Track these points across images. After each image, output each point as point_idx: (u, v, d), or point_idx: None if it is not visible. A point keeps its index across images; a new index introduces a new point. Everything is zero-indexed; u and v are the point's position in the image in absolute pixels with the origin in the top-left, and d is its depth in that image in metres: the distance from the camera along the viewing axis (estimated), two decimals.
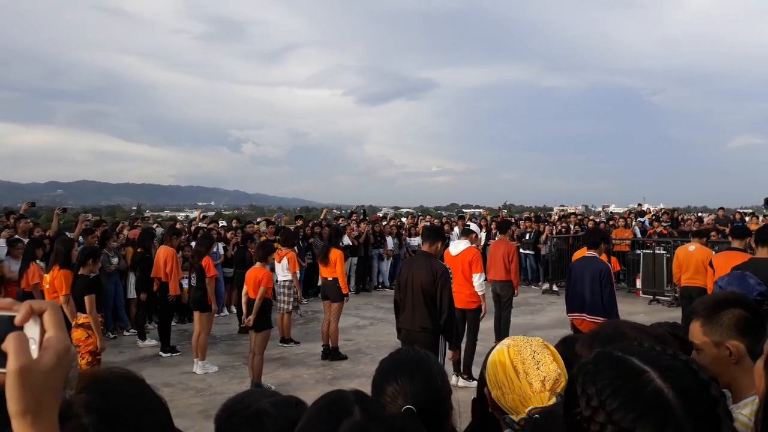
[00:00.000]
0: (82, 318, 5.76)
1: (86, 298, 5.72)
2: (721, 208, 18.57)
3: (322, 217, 16.00)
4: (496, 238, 15.07)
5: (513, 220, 15.04)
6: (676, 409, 0.85)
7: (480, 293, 6.84)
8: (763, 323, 1.69)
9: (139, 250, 9.27)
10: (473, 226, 7.80)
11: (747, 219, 17.36)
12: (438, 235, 5.70)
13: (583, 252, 7.08)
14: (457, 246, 7.02)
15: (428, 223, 16.59)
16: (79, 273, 5.97)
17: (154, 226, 13.00)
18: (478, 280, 6.77)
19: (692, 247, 8.06)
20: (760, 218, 16.98)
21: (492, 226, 16.13)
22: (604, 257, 6.12)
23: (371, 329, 9.95)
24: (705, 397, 0.88)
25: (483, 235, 15.94)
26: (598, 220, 17.84)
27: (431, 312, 5.21)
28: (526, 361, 1.63)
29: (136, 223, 13.05)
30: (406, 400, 1.48)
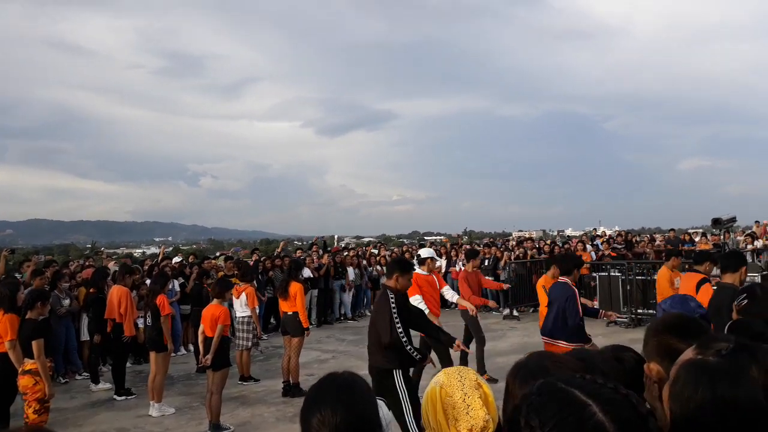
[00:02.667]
0: (29, 364, 5.55)
1: (34, 343, 5.51)
2: (672, 230, 19.15)
3: (279, 249, 15.88)
4: (459, 264, 15.28)
5: (479, 249, 15.16)
6: None
7: (456, 300, 7.08)
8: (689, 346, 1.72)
9: (91, 290, 9.01)
10: (425, 252, 7.76)
11: (697, 239, 17.95)
12: (395, 266, 5.35)
13: (547, 277, 7.31)
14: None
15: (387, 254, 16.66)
16: (27, 317, 5.76)
17: (111, 263, 12.65)
18: (447, 292, 6.92)
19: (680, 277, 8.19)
20: (709, 237, 17.55)
21: (452, 253, 16.28)
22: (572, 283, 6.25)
23: (333, 363, 9.84)
24: (643, 431, 0.90)
25: (444, 262, 16.07)
26: (551, 243, 18.14)
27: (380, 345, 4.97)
28: (456, 405, 1.64)
29: (88, 262, 12.71)
30: (328, 429, 1.47)
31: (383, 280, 5.96)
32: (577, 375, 1.03)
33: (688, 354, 1.28)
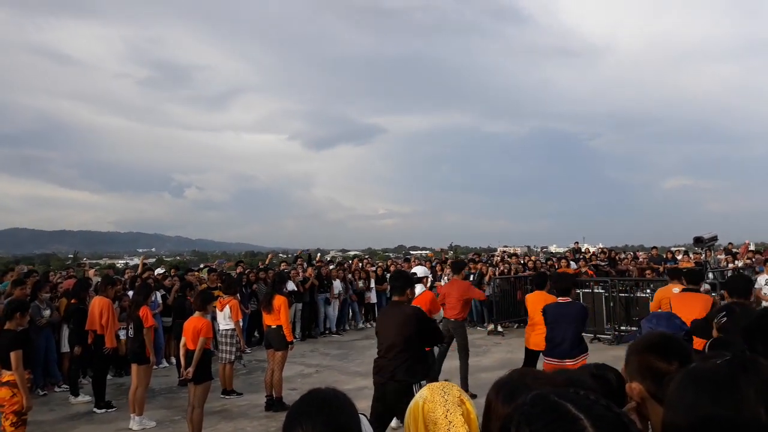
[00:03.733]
0: (6, 375, 5.44)
1: (12, 354, 5.42)
2: (654, 248, 19.33)
3: (267, 261, 15.78)
4: (444, 279, 15.30)
5: (466, 261, 15.20)
6: None
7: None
8: (671, 368, 1.73)
9: (73, 301, 8.89)
10: (419, 270, 7.87)
11: (679, 257, 18.12)
12: (405, 282, 5.32)
13: (539, 296, 7.10)
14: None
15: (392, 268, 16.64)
16: (5, 327, 5.67)
17: (91, 272, 12.51)
18: (438, 318, 6.97)
19: (676, 289, 8.21)
20: (692, 256, 17.73)
21: (437, 267, 16.30)
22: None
23: (317, 377, 9.78)
24: None
25: (429, 276, 16.08)
26: (534, 259, 18.23)
27: (406, 360, 4.90)
28: (438, 421, 1.65)
29: (70, 272, 12.56)
30: None
31: (390, 293, 6.02)
32: (571, 390, 1.03)
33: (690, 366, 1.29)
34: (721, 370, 1.14)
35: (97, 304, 8.12)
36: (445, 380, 2.15)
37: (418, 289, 7.27)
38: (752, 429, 1.07)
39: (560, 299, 6.16)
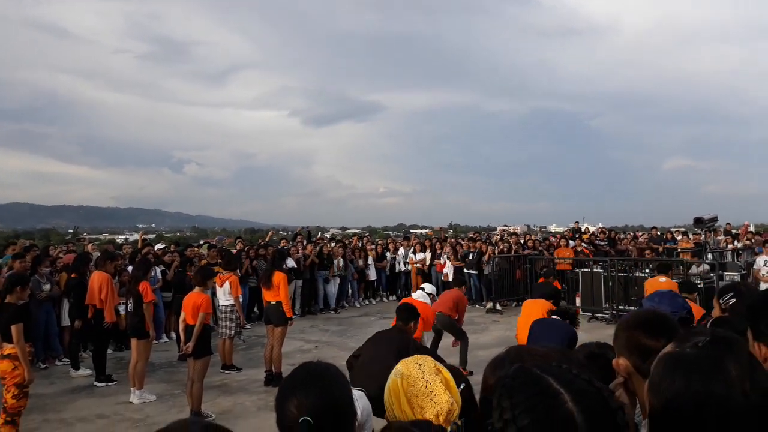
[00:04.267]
0: (8, 348, 5.48)
1: (13, 328, 5.45)
2: (654, 228, 19.34)
3: (267, 238, 15.79)
4: (443, 257, 15.34)
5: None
6: None
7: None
8: (658, 345, 1.73)
9: (73, 275, 8.91)
10: (428, 287, 7.95)
11: (679, 238, 18.15)
12: (413, 315, 5.11)
13: (538, 304, 6.11)
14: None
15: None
16: (6, 301, 5.69)
17: (90, 246, 12.52)
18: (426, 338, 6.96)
19: (662, 279, 8.31)
20: (691, 236, 17.75)
21: (437, 246, 16.33)
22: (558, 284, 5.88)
23: (316, 353, 9.84)
24: (611, 425, 0.92)
25: (428, 255, 16.14)
26: (534, 238, 18.24)
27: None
28: (420, 393, 1.65)
29: (70, 247, 12.58)
30: (303, 412, 1.50)
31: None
32: (554, 364, 1.04)
33: (668, 348, 1.30)
34: (705, 352, 1.15)
35: (97, 278, 8.14)
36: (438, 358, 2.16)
37: (420, 296, 7.40)
38: (737, 407, 1.08)
39: (553, 317, 5.29)
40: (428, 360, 1.78)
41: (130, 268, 9.72)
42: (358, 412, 2.11)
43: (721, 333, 1.22)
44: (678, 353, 1.20)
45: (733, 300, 2.93)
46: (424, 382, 1.68)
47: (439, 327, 8.49)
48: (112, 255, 8.94)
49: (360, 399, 2.20)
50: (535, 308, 5.97)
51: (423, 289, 7.74)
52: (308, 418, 1.48)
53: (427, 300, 7.41)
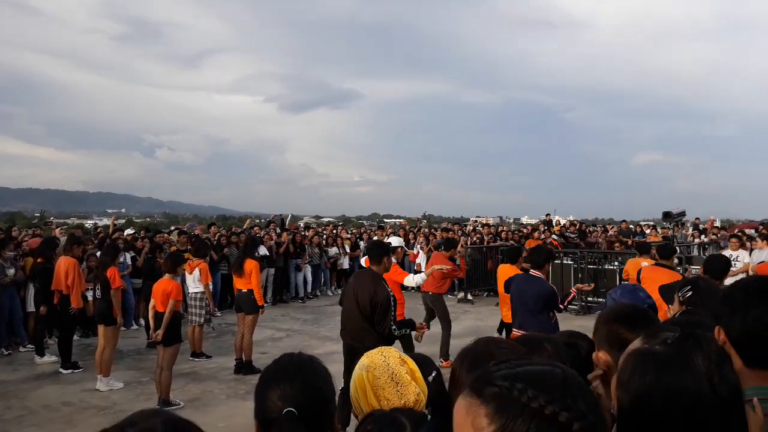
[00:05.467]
0: None
1: None
2: (624, 221, 19.64)
3: (245, 226, 15.65)
4: (416, 247, 15.38)
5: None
6: None
7: (420, 283, 7.07)
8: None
9: (39, 260, 8.72)
10: (396, 241, 7.78)
11: (648, 231, 18.49)
12: (382, 250, 5.37)
13: (510, 269, 7.09)
14: None
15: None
16: None
17: (57, 231, 12.23)
18: (412, 280, 6.79)
19: (645, 263, 8.35)
20: (659, 230, 18.09)
21: (410, 236, 16.37)
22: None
23: (287, 341, 9.81)
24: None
25: (396, 238, 16.14)
26: (506, 230, 18.41)
27: (367, 331, 4.99)
28: (386, 385, 1.65)
29: (36, 231, 12.30)
30: (287, 403, 1.49)
31: (362, 260, 6.08)
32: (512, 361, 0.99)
33: (636, 344, 1.31)
34: (674, 349, 1.16)
35: (63, 263, 7.97)
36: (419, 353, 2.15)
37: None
38: (706, 401, 1.10)
39: (532, 272, 5.83)
40: (392, 351, 1.78)
41: (99, 254, 9.55)
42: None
43: (689, 329, 1.23)
44: (647, 350, 1.21)
45: (690, 293, 2.97)
46: (389, 374, 1.68)
47: (429, 305, 8.63)
48: (78, 239, 8.77)
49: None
50: (506, 271, 7.15)
51: (390, 243, 7.57)
52: (292, 409, 1.47)
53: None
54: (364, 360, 1.77)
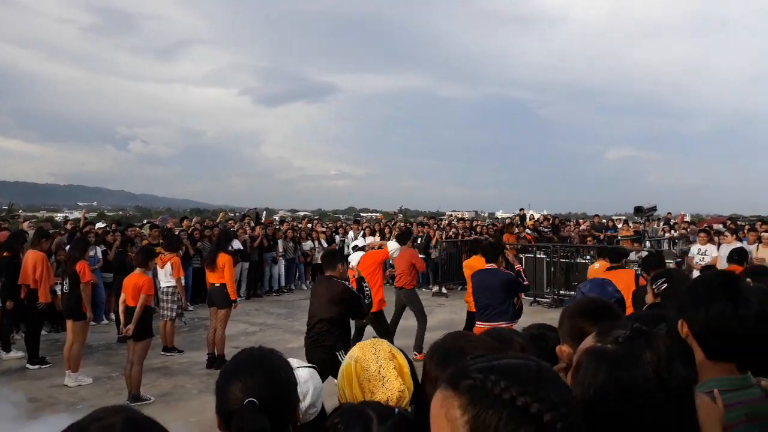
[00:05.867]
0: None
1: None
2: (597, 216, 19.93)
3: (218, 219, 15.50)
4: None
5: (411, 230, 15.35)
6: None
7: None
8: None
9: (5, 254, 8.52)
10: (359, 241, 8.09)
11: (620, 226, 18.79)
12: (336, 258, 5.66)
13: (476, 261, 7.38)
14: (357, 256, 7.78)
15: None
16: None
17: (26, 224, 11.97)
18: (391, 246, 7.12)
19: (597, 265, 8.54)
20: (631, 225, 18.40)
21: (386, 231, 16.39)
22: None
23: (260, 336, 9.75)
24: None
25: (378, 239, 16.16)
26: (480, 224, 18.58)
27: (328, 331, 5.20)
28: (372, 378, 1.66)
29: (2, 224, 12.01)
30: (248, 395, 1.49)
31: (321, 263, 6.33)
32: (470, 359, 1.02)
33: (589, 341, 1.33)
34: (625, 348, 1.20)
35: (31, 257, 7.81)
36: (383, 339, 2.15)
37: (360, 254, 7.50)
38: (656, 396, 1.14)
39: (488, 265, 6.29)
40: (384, 344, 1.79)
41: (68, 247, 9.37)
42: (309, 393, 2.10)
43: (640, 327, 1.26)
44: (599, 348, 1.24)
45: (665, 285, 3.03)
46: (377, 367, 1.69)
47: (402, 301, 8.67)
48: (45, 233, 8.60)
49: (312, 378, 2.18)
50: (472, 263, 7.46)
51: (357, 245, 7.85)
52: (254, 399, 1.47)
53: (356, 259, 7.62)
54: (356, 351, 1.77)
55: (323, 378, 5.08)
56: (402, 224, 17.71)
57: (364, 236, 16.28)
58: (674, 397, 1.15)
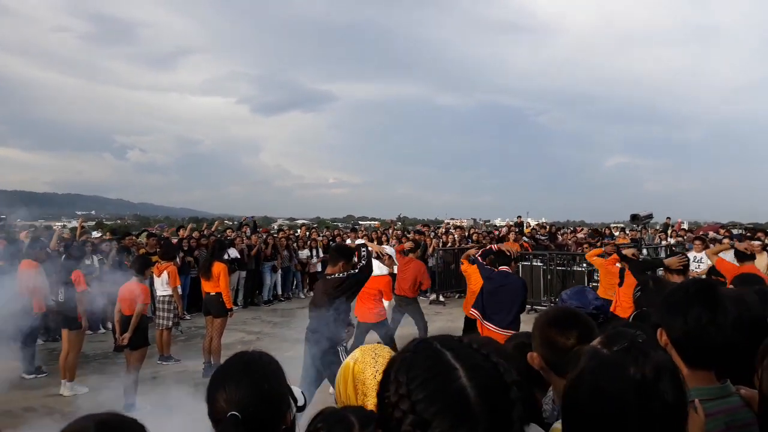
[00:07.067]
0: None
1: None
2: (597, 227, 19.92)
3: (214, 228, 15.53)
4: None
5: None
6: (475, 407, 0.89)
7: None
8: (567, 342, 1.82)
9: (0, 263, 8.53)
10: (388, 249, 7.97)
11: (616, 234, 18.81)
12: (341, 254, 5.48)
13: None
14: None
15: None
16: None
17: (23, 234, 11.95)
18: (388, 306, 7.03)
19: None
20: (628, 232, 18.41)
21: (383, 239, 16.39)
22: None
23: (257, 344, 9.73)
24: (503, 399, 0.92)
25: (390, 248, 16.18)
26: (478, 231, 18.61)
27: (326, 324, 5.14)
28: (367, 381, 1.68)
29: None
30: (232, 406, 1.48)
31: (319, 264, 6.24)
32: (456, 338, 1.02)
33: (596, 343, 1.35)
34: (620, 357, 1.21)
35: (25, 267, 7.80)
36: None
37: (377, 270, 7.44)
38: (640, 411, 1.14)
39: (502, 268, 6.19)
40: (385, 351, 1.81)
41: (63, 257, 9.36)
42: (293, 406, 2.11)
43: (640, 342, 1.27)
44: (596, 350, 1.25)
45: (639, 293, 3.07)
46: (373, 372, 1.70)
47: (402, 310, 8.63)
48: (42, 242, 8.60)
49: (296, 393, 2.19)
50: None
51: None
52: (236, 413, 1.45)
53: (384, 270, 7.48)
54: (357, 353, 1.80)
55: (323, 370, 5.11)
56: (399, 232, 17.73)
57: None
58: (656, 417, 1.14)
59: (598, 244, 17.00)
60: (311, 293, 15.43)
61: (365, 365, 1.73)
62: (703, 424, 1.48)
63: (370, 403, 1.65)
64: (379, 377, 1.69)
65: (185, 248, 12.57)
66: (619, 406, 1.14)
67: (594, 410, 1.15)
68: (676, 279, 5.19)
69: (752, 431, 1.55)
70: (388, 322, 7.65)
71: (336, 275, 5.20)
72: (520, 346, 2.37)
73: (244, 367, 1.60)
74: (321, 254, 15.77)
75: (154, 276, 8.34)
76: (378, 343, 4.10)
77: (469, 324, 7.44)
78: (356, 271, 5.19)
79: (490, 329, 5.95)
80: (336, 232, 18.91)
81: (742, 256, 6.65)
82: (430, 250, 15.15)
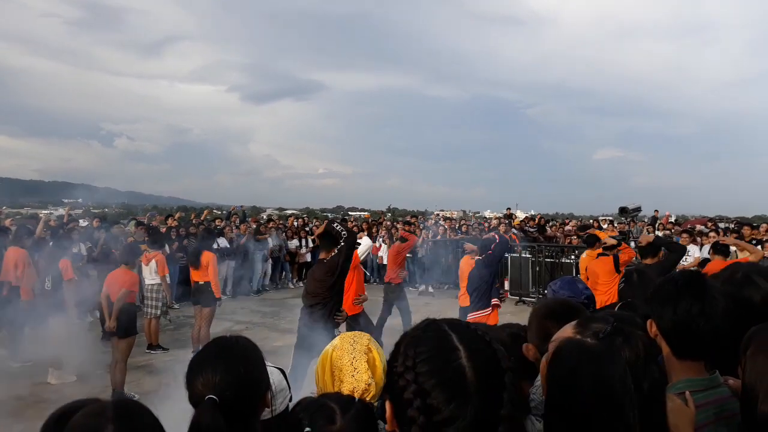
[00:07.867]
0: None
1: None
2: (588, 219, 20.02)
3: (203, 217, 15.46)
4: (379, 240, 15.42)
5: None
6: (471, 385, 1.00)
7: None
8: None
9: None
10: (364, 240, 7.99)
11: (605, 227, 18.91)
12: (333, 241, 5.42)
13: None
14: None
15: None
16: None
17: (8, 221, 11.87)
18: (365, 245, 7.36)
19: (584, 254, 8.80)
20: (617, 225, 18.52)
21: (374, 230, 16.41)
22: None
23: (246, 334, 9.63)
24: (497, 382, 1.02)
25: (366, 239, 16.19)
26: (467, 223, 18.69)
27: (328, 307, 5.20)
28: (344, 367, 1.69)
29: None
30: (209, 390, 1.50)
31: (308, 254, 6.18)
32: (463, 323, 1.12)
33: (567, 332, 1.36)
34: (604, 343, 1.24)
35: (12, 254, 7.75)
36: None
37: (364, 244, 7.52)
38: (629, 394, 1.18)
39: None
40: (364, 338, 1.81)
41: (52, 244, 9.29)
42: (273, 386, 2.11)
43: (621, 325, 1.29)
44: (578, 341, 1.26)
45: (623, 285, 3.09)
46: (350, 358, 1.72)
47: (390, 297, 8.68)
48: (28, 230, 8.53)
49: (272, 375, 2.20)
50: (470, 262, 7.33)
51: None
52: (213, 397, 1.47)
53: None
54: (336, 340, 1.81)
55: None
56: (388, 223, 17.75)
57: None
58: (645, 397, 1.18)
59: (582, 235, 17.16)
60: (300, 283, 15.52)
61: (343, 352, 1.75)
62: (692, 416, 1.50)
63: (345, 388, 1.67)
64: (355, 363, 1.71)
65: (173, 237, 12.51)
66: (624, 391, 1.17)
67: (595, 400, 1.17)
68: (649, 261, 5.30)
69: (740, 421, 1.57)
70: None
71: (330, 257, 5.22)
72: (513, 336, 2.38)
73: (219, 351, 1.62)
74: (310, 245, 15.77)
75: (143, 265, 8.29)
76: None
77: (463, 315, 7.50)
78: (342, 243, 5.22)
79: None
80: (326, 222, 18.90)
81: (720, 250, 6.89)
82: (420, 241, 15.18)
